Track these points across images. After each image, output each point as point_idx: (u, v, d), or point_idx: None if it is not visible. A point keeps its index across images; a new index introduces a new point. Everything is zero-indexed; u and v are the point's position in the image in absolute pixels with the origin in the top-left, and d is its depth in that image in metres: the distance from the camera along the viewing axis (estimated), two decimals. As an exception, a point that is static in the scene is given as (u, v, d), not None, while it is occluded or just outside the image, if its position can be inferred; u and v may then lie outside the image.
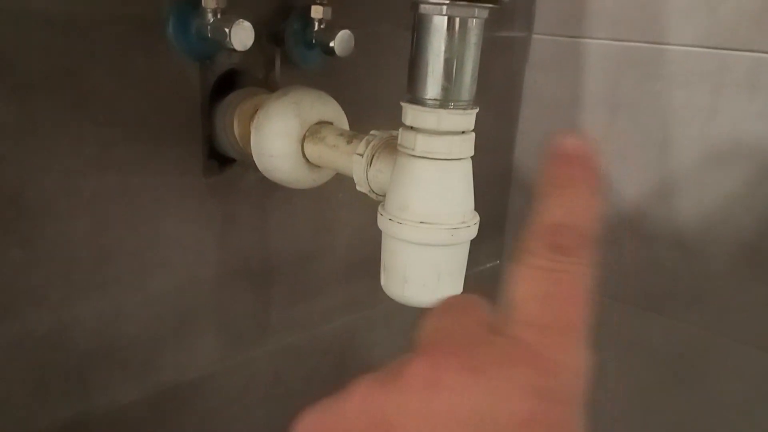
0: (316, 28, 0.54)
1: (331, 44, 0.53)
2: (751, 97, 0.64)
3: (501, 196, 0.86)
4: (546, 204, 0.26)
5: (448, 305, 0.29)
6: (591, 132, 0.77)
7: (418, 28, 0.39)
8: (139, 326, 0.52)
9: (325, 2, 0.53)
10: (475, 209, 0.42)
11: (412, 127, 0.40)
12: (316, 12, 0.53)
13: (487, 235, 0.88)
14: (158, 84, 0.48)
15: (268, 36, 0.54)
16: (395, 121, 0.65)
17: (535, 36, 0.80)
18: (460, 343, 0.25)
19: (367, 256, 0.71)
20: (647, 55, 0.71)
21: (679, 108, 0.70)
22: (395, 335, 0.77)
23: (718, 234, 0.68)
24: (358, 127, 0.51)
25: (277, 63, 0.55)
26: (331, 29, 0.53)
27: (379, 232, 0.73)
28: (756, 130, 0.64)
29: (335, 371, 0.72)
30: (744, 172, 0.65)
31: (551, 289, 0.26)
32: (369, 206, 0.68)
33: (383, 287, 0.43)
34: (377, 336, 0.75)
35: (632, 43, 0.73)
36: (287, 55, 0.55)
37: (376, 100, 0.63)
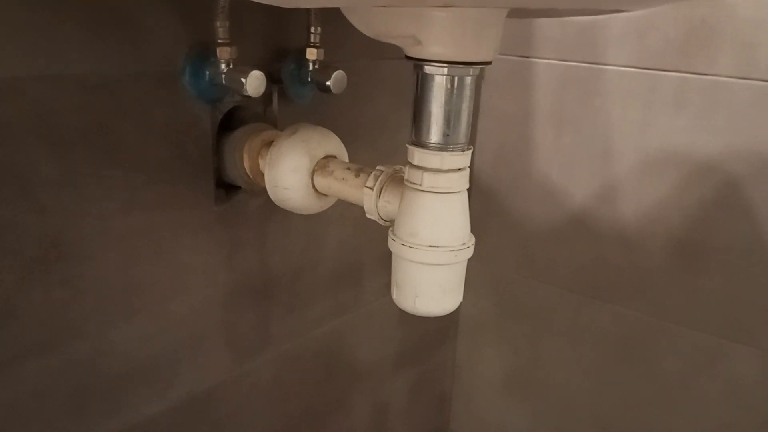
0: (311, 68, 0.59)
1: (327, 83, 0.59)
2: (677, 113, 0.75)
3: (461, 200, 0.94)
4: None
5: None
6: (540, 142, 0.86)
7: (421, 85, 0.45)
8: (161, 347, 0.57)
9: (318, 44, 0.59)
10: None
11: (418, 166, 0.47)
12: (311, 54, 0.59)
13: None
14: (175, 129, 0.53)
15: (267, 75, 0.59)
16: (375, 145, 0.73)
17: (487, 55, 0.88)
18: None
19: (350, 264, 0.78)
20: (588, 74, 0.81)
21: (616, 122, 0.80)
22: (376, 334, 0.85)
23: (654, 232, 0.79)
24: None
25: (275, 99, 0.61)
26: (324, 69, 0.59)
27: (361, 242, 0.80)
28: (683, 142, 0.75)
29: (326, 371, 0.78)
30: (674, 178, 0.76)
31: None
32: (351, 220, 0.75)
33: (395, 301, 0.50)
34: (361, 336, 0.82)
35: (575, 63, 0.82)
36: (284, 92, 0.61)
37: (358, 126, 0.70)
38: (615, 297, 0.84)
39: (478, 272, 0.94)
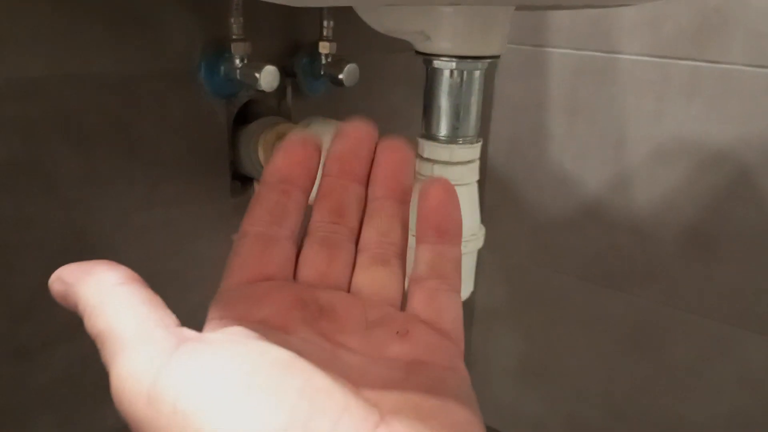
0: (323, 61, 0.60)
1: (340, 76, 0.59)
2: (690, 101, 0.75)
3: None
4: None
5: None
6: (554, 132, 0.86)
7: (431, 79, 0.46)
8: (181, 335, 0.59)
9: (330, 38, 0.60)
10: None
11: (428, 159, 0.47)
12: (324, 47, 0.60)
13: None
14: (192, 123, 0.54)
15: (280, 69, 0.61)
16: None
17: (500, 45, 0.88)
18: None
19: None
20: (601, 63, 0.81)
21: (630, 111, 0.80)
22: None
23: (667, 220, 0.79)
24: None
25: (289, 92, 0.62)
26: (337, 62, 0.60)
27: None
28: (695, 131, 0.75)
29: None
30: (686, 167, 0.76)
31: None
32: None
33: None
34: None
35: (588, 52, 0.82)
36: (297, 85, 0.62)
37: (371, 119, 0.71)
38: (627, 285, 0.84)
39: (492, 261, 0.95)
